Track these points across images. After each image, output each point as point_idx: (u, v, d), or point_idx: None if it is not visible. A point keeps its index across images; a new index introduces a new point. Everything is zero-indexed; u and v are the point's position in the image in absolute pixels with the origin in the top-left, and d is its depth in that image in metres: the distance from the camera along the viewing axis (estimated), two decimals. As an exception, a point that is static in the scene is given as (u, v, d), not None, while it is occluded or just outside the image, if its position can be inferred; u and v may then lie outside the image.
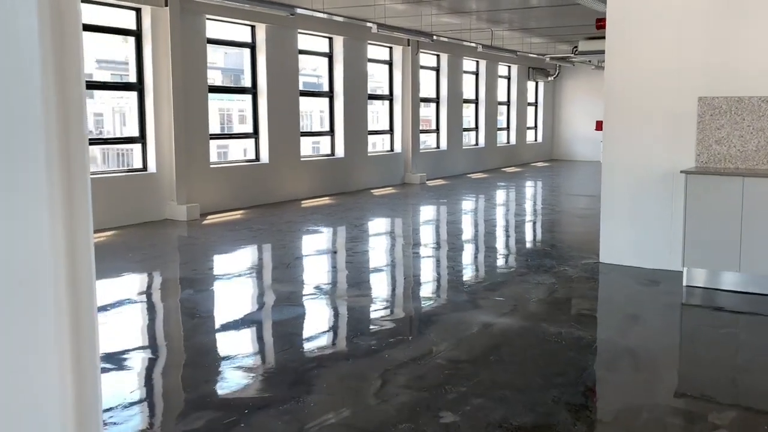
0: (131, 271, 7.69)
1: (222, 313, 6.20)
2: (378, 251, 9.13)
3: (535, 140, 24.21)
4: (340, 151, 14.85)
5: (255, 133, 12.94)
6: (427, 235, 10.48)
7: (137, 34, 10.75)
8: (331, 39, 14.62)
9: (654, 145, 7.61)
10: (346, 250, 9.23)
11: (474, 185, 17.01)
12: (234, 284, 7.19)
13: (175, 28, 10.79)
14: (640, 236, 7.73)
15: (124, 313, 6.19)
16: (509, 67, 22.01)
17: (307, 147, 15.48)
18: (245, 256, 8.76)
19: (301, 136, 13.88)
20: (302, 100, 13.97)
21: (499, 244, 9.66)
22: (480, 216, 12.50)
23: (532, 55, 18.16)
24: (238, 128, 14.43)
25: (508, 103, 22.19)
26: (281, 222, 11.00)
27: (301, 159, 13.83)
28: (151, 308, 6.51)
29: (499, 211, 13.19)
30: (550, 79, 23.37)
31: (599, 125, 7.36)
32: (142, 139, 10.91)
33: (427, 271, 7.86)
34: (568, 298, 6.65)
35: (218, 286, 7.04)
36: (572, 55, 18.38)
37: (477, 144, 20.51)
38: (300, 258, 8.59)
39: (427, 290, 7.05)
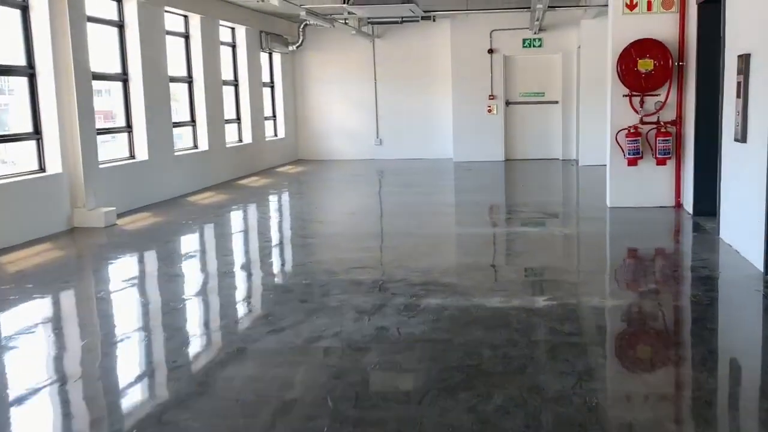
0: None
1: None
2: None
3: (275, 135, 17.48)
4: None
5: None
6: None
7: None
8: None
9: None
10: None
11: (204, 217, 9.87)
12: None
13: None
14: None
15: None
16: (233, 29, 14.94)
17: None
18: None
19: None
20: None
21: None
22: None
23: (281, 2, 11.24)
24: None
25: (236, 83, 15.11)
26: None
27: None
28: None
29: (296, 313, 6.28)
30: (291, 48, 16.70)
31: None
32: None
33: None
34: None
35: None
36: (345, 4, 11.77)
37: (197, 147, 13.23)
38: None
39: None
